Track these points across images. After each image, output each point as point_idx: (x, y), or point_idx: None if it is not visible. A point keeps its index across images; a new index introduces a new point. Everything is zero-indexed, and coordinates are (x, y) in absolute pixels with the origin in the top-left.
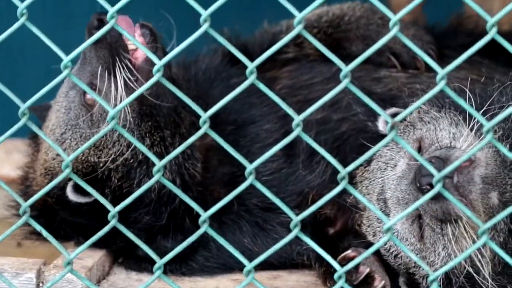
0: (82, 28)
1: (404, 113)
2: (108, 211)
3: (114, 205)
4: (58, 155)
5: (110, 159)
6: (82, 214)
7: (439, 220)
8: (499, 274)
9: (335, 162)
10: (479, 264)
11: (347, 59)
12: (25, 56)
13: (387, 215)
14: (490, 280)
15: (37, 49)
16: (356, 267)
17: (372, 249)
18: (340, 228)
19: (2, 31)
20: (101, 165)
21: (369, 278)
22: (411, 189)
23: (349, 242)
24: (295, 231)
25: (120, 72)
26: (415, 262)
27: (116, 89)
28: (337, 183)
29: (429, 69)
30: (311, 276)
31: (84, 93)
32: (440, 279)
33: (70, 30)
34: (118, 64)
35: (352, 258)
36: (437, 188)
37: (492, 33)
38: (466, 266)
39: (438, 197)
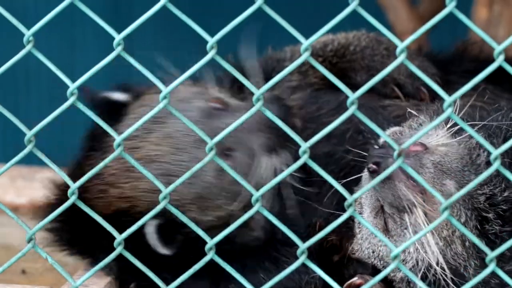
0: (85, 54)
1: (410, 140)
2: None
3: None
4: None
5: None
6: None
7: (395, 208)
8: (480, 267)
9: (342, 189)
10: (455, 262)
11: (352, 89)
12: (29, 83)
13: (360, 213)
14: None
15: (41, 76)
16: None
17: (379, 277)
18: (344, 254)
19: (6, 56)
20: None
21: None
22: (369, 178)
23: (354, 269)
24: (302, 258)
25: None
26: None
27: None
28: (343, 210)
29: (433, 100)
30: None
31: None
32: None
33: (74, 56)
34: None
35: (358, 286)
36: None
37: (499, 61)
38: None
39: (385, 180)
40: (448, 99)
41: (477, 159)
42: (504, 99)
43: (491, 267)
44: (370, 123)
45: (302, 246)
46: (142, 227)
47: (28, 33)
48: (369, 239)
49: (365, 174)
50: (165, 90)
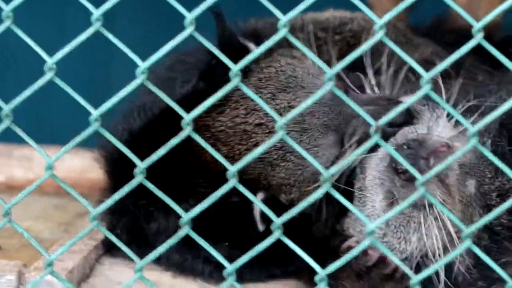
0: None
1: (387, 117)
2: None
3: None
4: None
5: None
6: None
7: (412, 205)
8: (473, 267)
9: (318, 165)
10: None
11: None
12: (8, 60)
13: (365, 193)
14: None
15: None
16: (365, 253)
17: (364, 243)
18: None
19: None
20: None
21: (382, 258)
22: (387, 169)
23: (341, 240)
24: (277, 234)
25: None
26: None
27: None
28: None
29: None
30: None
31: None
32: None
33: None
34: None
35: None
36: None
37: (478, 38)
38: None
39: (412, 179)
40: (426, 75)
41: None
42: (484, 71)
43: (467, 243)
44: (348, 100)
45: (277, 221)
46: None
47: (6, 9)
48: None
49: (373, 155)
50: (142, 65)
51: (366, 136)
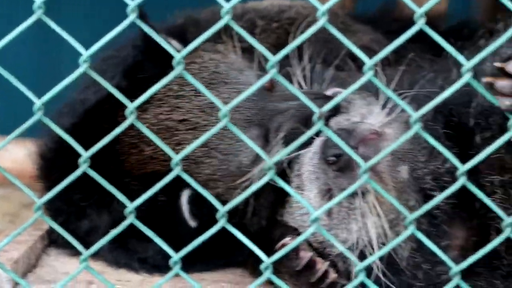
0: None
1: (332, 102)
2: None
3: None
4: None
5: None
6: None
7: (350, 195)
8: (416, 251)
9: (262, 153)
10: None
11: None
12: None
13: (302, 190)
14: (407, 258)
15: None
16: (297, 253)
17: (306, 234)
18: (272, 213)
19: None
20: None
21: (311, 262)
22: (320, 163)
23: (282, 231)
24: (222, 222)
25: None
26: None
27: None
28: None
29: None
30: (240, 270)
31: None
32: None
33: None
34: None
35: None
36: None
37: (420, 24)
38: (377, 242)
39: (343, 168)
40: (368, 62)
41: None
42: (426, 59)
43: (410, 229)
44: (289, 86)
45: (222, 209)
46: (174, 196)
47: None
48: (299, 204)
49: (310, 153)
50: (85, 53)
51: (292, 132)
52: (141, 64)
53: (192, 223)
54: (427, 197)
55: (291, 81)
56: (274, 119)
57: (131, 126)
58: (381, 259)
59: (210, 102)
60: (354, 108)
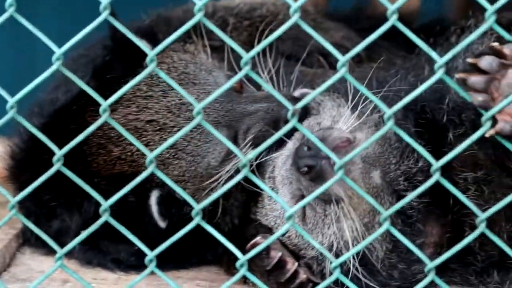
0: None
1: (305, 100)
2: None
3: None
4: None
5: None
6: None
7: (321, 200)
8: (392, 252)
9: (237, 150)
10: (370, 246)
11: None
12: None
13: (276, 193)
14: (382, 259)
15: None
16: (267, 253)
17: (278, 233)
18: (244, 212)
19: None
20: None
21: (281, 262)
22: (292, 169)
23: (256, 229)
24: (197, 219)
25: None
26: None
27: None
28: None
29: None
30: (215, 267)
31: None
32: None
33: None
34: None
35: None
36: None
37: (392, 20)
38: (352, 245)
39: (316, 178)
40: (341, 58)
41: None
42: (399, 57)
43: (385, 226)
44: (262, 82)
45: (197, 207)
46: (143, 197)
47: None
48: (272, 205)
49: (281, 153)
50: (58, 51)
51: (261, 134)
52: (111, 64)
53: (162, 224)
54: (401, 198)
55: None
56: (242, 121)
57: (100, 127)
58: (356, 260)
59: (178, 103)
60: (324, 110)
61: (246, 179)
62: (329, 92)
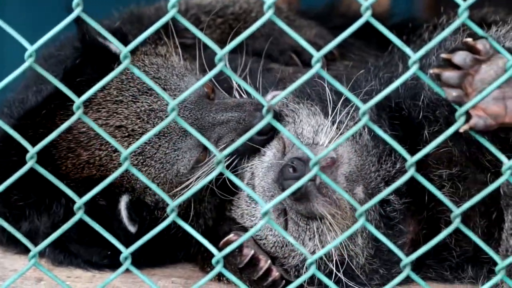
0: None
1: (279, 96)
2: None
3: None
4: None
5: None
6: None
7: (303, 215)
8: (373, 257)
9: (211, 146)
10: (352, 253)
11: (252, 56)
12: None
13: (253, 201)
14: (363, 264)
15: None
16: (240, 250)
17: (252, 231)
18: (218, 214)
19: None
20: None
21: (254, 260)
22: (276, 185)
23: (229, 227)
24: (172, 216)
25: None
26: (283, 254)
27: None
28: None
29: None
30: (190, 265)
31: None
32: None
33: None
34: None
35: (234, 242)
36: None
37: (366, 16)
38: (335, 256)
39: (301, 198)
40: (316, 54)
41: (361, 139)
42: (371, 55)
43: (361, 221)
44: (236, 78)
45: (172, 204)
46: (113, 201)
47: None
48: (250, 209)
49: (260, 163)
50: (30, 48)
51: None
52: (81, 67)
53: (131, 229)
54: (384, 202)
55: (230, 89)
56: (213, 130)
57: (69, 131)
58: (337, 267)
59: (147, 109)
60: (301, 118)
61: (220, 187)
62: (302, 99)
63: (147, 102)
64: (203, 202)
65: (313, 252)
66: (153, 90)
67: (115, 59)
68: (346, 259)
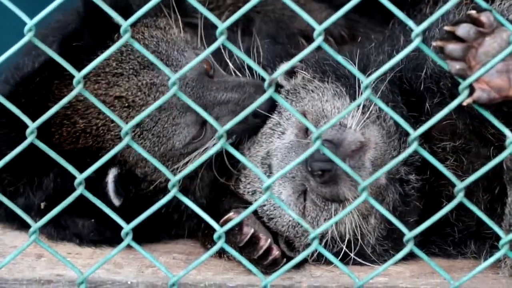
0: None
1: (281, 69)
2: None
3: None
4: None
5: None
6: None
7: (325, 198)
8: (385, 239)
9: (212, 120)
10: (365, 231)
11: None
12: None
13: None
14: (374, 245)
15: None
16: (240, 229)
17: (251, 208)
18: (211, 193)
19: None
20: None
21: (254, 239)
22: (300, 167)
23: (229, 205)
24: (174, 191)
25: None
26: (283, 225)
27: None
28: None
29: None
30: (191, 241)
31: None
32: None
33: None
34: None
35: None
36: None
37: None
38: (346, 236)
39: (329, 181)
40: (318, 27)
41: (386, 123)
42: (376, 32)
43: (363, 196)
44: (238, 52)
45: (173, 179)
46: (101, 173)
47: None
48: (252, 179)
49: (280, 142)
50: (30, 22)
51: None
52: (80, 33)
53: (116, 202)
54: (404, 182)
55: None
56: (212, 110)
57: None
58: (349, 247)
59: (149, 83)
60: (327, 97)
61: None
62: (327, 78)
63: (149, 76)
64: (195, 178)
65: (326, 233)
66: (154, 64)
67: (116, 29)
68: (359, 238)
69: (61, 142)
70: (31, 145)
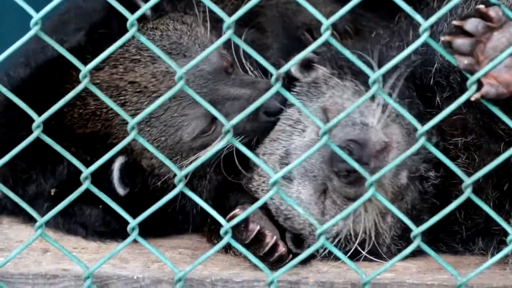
0: None
1: (289, 64)
2: None
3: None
4: None
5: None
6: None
7: (347, 198)
8: (400, 238)
9: (219, 115)
10: (381, 230)
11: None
12: None
13: (290, 180)
14: (389, 244)
15: None
16: (246, 225)
17: (257, 204)
18: (217, 196)
19: None
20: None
21: (260, 235)
22: (323, 167)
23: (236, 201)
24: (180, 186)
25: None
26: (300, 224)
27: None
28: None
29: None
30: (197, 236)
31: None
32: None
33: None
34: None
35: None
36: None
37: None
38: (363, 234)
39: (354, 182)
40: (325, 22)
41: (406, 122)
42: (383, 26)
43: (371, 191)
44: (245, 46)
45: (180, 174)
46: (107, 160)
47: None
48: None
49: (300, 141)
50: (36, 16)
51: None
52: (108, 21)
53: (120, 191)
54: (423, 179)
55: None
56: (223, 106)
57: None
58: (362, 245)
59: (164, 71)
60: (347, 95)
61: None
62: (346, 76)
63: (165, 65)
64: (204, 179)
65: (340, 231)
66: (173, 55)
67: (142, 18)
68: (373, 237)
69: (72, 124)
70: (45, 132)
